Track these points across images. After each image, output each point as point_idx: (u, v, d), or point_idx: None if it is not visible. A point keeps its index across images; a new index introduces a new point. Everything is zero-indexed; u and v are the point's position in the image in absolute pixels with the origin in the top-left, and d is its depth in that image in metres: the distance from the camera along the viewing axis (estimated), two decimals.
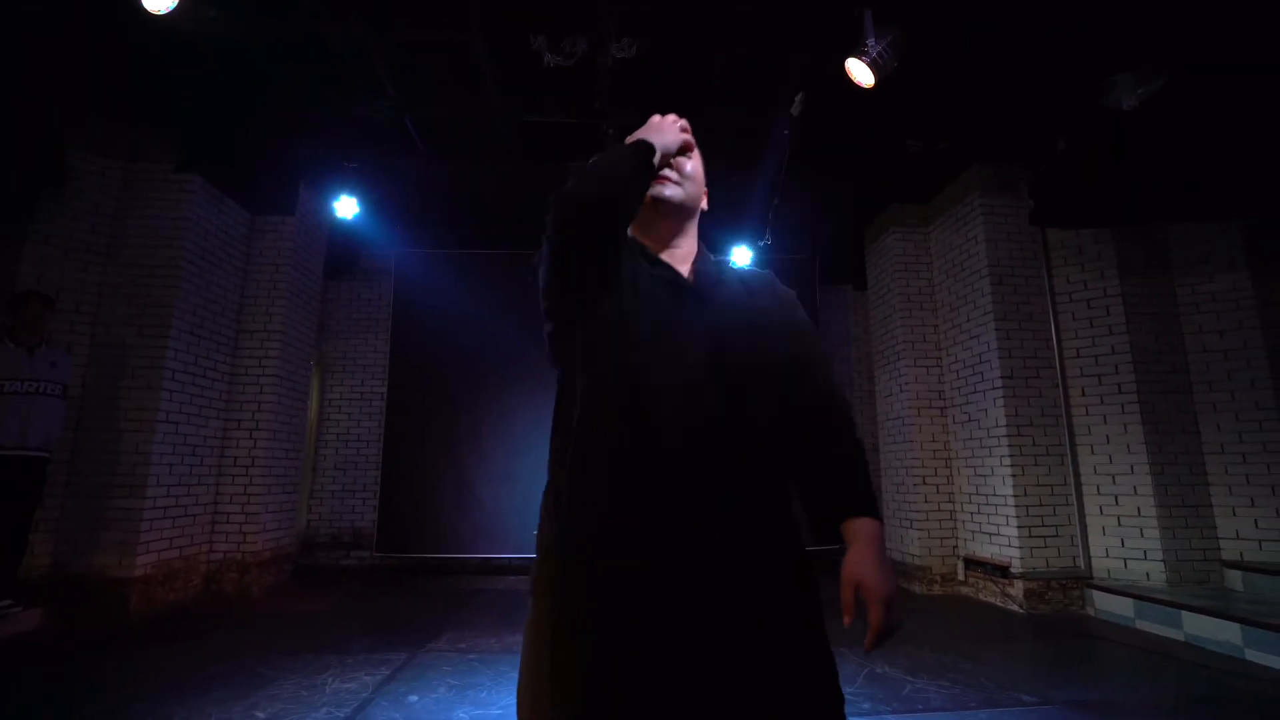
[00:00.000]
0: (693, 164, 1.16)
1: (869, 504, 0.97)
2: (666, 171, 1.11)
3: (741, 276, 1.16)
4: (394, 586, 5.36)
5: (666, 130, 1.11)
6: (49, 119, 4.15)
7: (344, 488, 6.31)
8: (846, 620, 0.89)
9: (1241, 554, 4.16)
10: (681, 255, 1.13)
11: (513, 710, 2.48)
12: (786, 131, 4.55)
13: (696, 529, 0.89)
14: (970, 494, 5.08)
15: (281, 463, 5.29)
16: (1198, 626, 3.52)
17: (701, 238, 1.20)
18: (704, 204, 1.20)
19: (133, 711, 2.47)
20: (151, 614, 4.08)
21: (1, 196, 4.11)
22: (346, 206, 5.29)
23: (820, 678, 0.91)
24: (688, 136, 1.15)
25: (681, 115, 1.17)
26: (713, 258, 1.18)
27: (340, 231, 6.00)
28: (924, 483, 5.33)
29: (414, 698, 2.66)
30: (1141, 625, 3.87)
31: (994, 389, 4.81)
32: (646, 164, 1.04)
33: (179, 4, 3.07)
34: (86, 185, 4.38)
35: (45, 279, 4.14)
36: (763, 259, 6.13)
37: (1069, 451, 4.63)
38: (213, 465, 4.86)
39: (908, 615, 4.36)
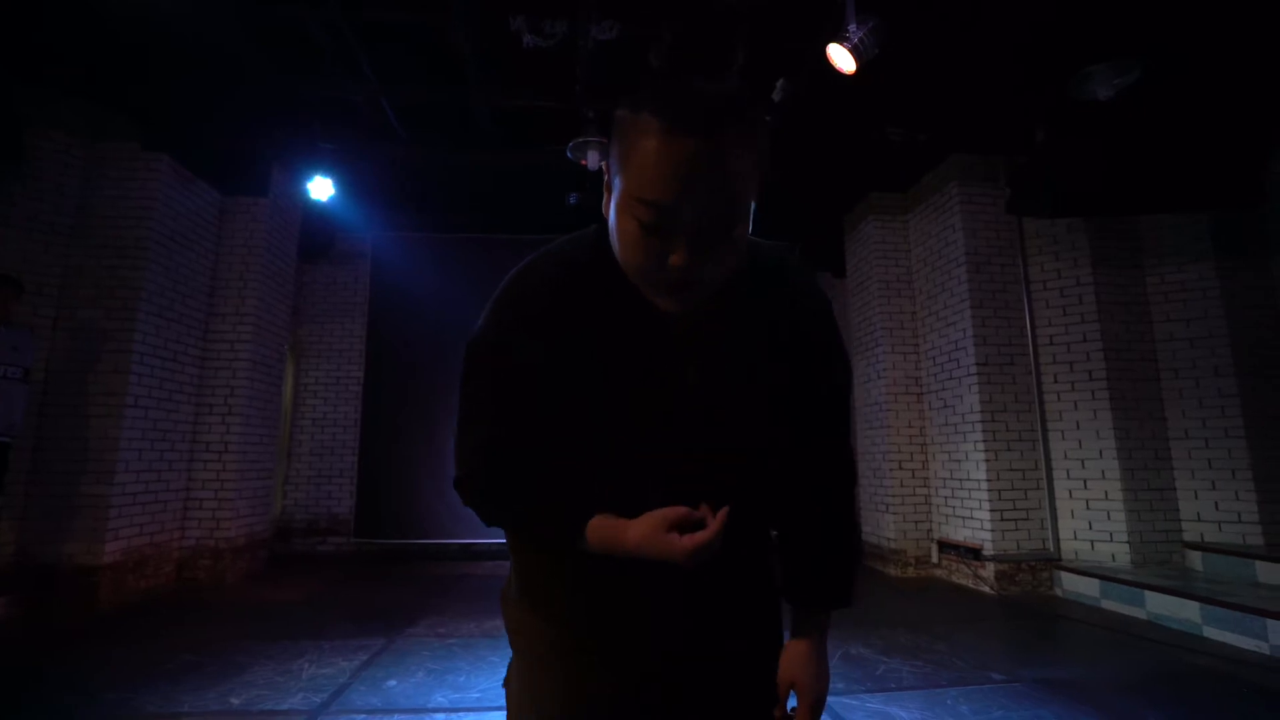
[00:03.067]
0: (741, 239, 0.72)
1: (832, 598, 0.88)
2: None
3: (755, 278, 0.82)
4: (372, 573, 5.33)
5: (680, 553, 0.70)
6: (6, 95, 3.99)
7: (320, 473, 6.24)
8: (777, 715, 0.84)
9: (1202, 535, 4.30)
10: None
11: (491, 693, 2.49)
12: (768, 118, 4.53)
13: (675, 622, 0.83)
14: (945, 478, 5.18)
15: (256, 448, 5.20)
16: (1160, 605, 3.64)
17: None
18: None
19: (104, 701, 2.43)
20: (122, 602, 4.01)
21: None
22: (321, 188, 5.18)
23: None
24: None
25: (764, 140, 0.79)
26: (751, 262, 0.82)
27: (315, 214, 5.88)
28: (900, 467, 5.42)
29: (392, 682, 2.65)
30: (1107, 605, 3.99)
31: (969, 375, 4.88)
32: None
33: None
34: (48, 163, 4.22)
35: (4, 259, 3.99)
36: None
37: (1041, 437, 4.73)
38: (185, 451, 4.76)
39: (884, 596, 4.46)
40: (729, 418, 0.81)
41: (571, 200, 5.93)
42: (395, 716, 2.30)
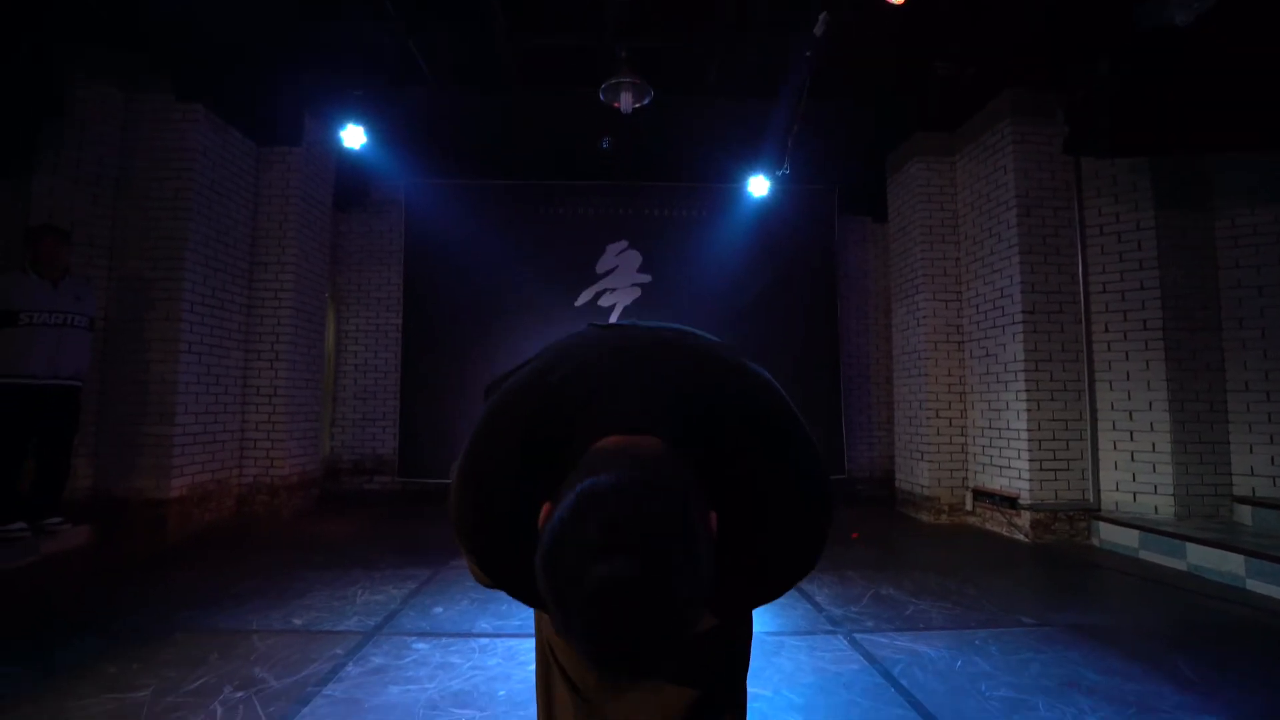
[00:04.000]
0: None
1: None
2: None
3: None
4: (416, 510, 5.59)
5: None
6: (48, 49, 4.05)
7: (364, 416, 6.48)
8: None
9: (1254, 490, 4.17)
10: None
11: (530, 622, 2.62)
12: (808, 54, 4.31)
13: None
14: (983, 427, 5.10)
15: (302, 392, 5.42)
16: (1201, 558, 3.58)
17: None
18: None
19: (179, 618, 2.64)
20: (189, 532, 4.30)
21: (4, 130, 4.07)
22: (353, 136, 5.17)
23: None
24: None
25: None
26: None
27: (348, 163, 5.91)
28: (937, 416, 5.35)
29: (439, 609, 2.81)
30: (1145, 556, 3.93)
31: (1014, 324, 4.73)
32: None
33: None
34: (89, 116, 4.30)
35: (57, 211, 4.14)
36: (780, 189, 5.97)
37: (1087, 387, 4.59)
38: (237, 394, 4.99)
39: (915, 542, 4.48)
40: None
41: (604, 144, 5.82)
42: (443, 639, 2.45)
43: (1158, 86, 4.03)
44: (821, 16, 4.01)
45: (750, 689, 1.80)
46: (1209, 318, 4.39)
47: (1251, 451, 4.21)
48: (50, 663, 2.16)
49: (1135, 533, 4.04)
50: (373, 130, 5.31)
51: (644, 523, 0.58)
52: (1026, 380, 4.61)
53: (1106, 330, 4.57)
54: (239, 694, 1.95)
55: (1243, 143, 4.22)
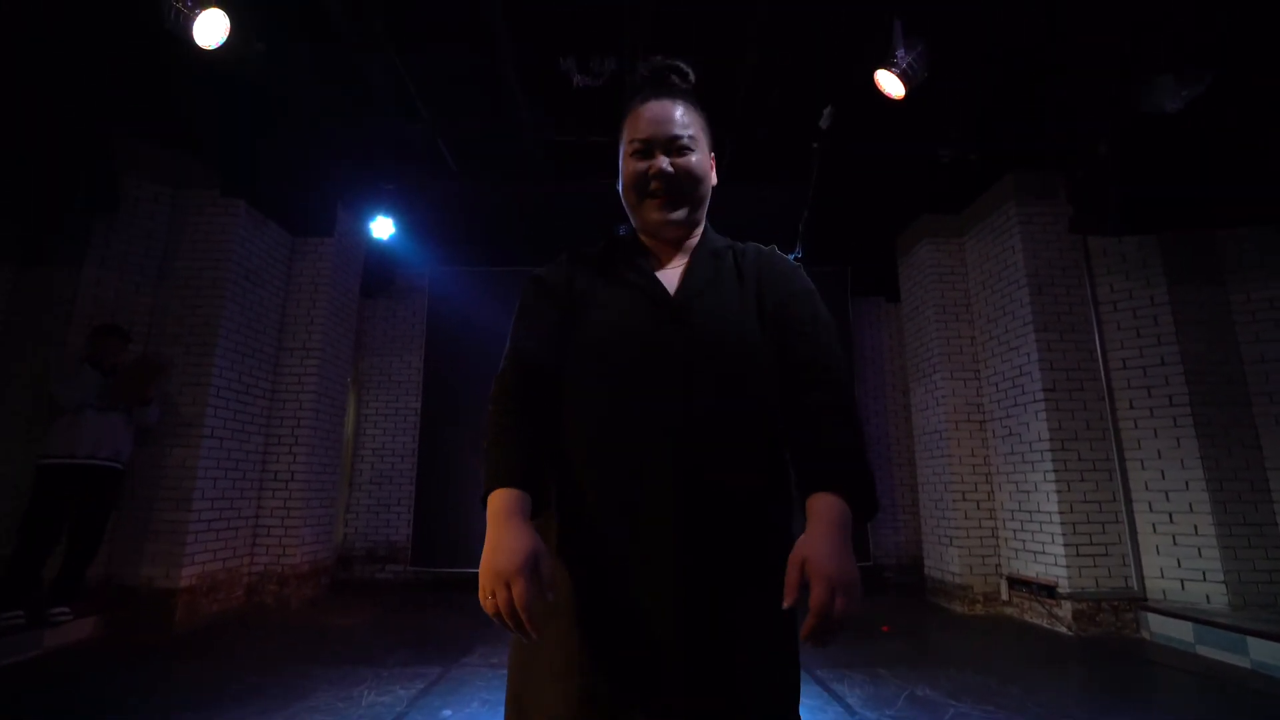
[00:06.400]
0: (698, 157, 1.07)
1: (835, 479, 0.87)
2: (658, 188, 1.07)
3: (739, 259, 1.13)
4: (428, 600, 5.41)
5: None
6: (106, 147, 4.37)
7: (379, 502, 6.41)
8: (787, 601, 0.80)
9: None
10: (686, 246, 1.14)
11: None
12: (816, 144, 4.53)
13: (679, 546, 0.90)
14: (1013, 510, 4.91)
15: (320, 477, 5.40)
16: (1266, 653, 3.32)
17: (724, 233, 1.21)
18: (713, 179, 1.14)
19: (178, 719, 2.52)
20: (195, 624, 4.19)
21: (61, 222, 4.35)
22: (382, 227, 5.43)
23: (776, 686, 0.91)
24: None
25: (711, 126, 1.14)
26: (716, 243, 1.15)
27: (376, 251, 6.17)
28: (964, 499, 5.17)
29: (448, 712, 2.67)
30: (1203, 651, 3.66)
31: (1035, 402, 4.65)
32: None
33: (228, 39, 3.22)
34: (139, 211, 4.59)
35: (102, 302, 4.34)
36: None
37: (1117, 467, 4.45)
38: (254, 480, 4.99)
39: (950, 634, 4.22)
40: (720, 357, 0.98)
41: (620, 231, 6.03)
42: None
43: (1156, 167, 4.14)
44: (827, 110, 4.23)
45: None
46: (1237, 392, 4.29)
47: None
48: None
49: (1189, 625, 3.78)
50: (401, 220, 5.57)
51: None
52: (1054, 460, 4.48)
53: (1131, 407, 4.48)
54: None
55: (1244, 217, 4.27)
